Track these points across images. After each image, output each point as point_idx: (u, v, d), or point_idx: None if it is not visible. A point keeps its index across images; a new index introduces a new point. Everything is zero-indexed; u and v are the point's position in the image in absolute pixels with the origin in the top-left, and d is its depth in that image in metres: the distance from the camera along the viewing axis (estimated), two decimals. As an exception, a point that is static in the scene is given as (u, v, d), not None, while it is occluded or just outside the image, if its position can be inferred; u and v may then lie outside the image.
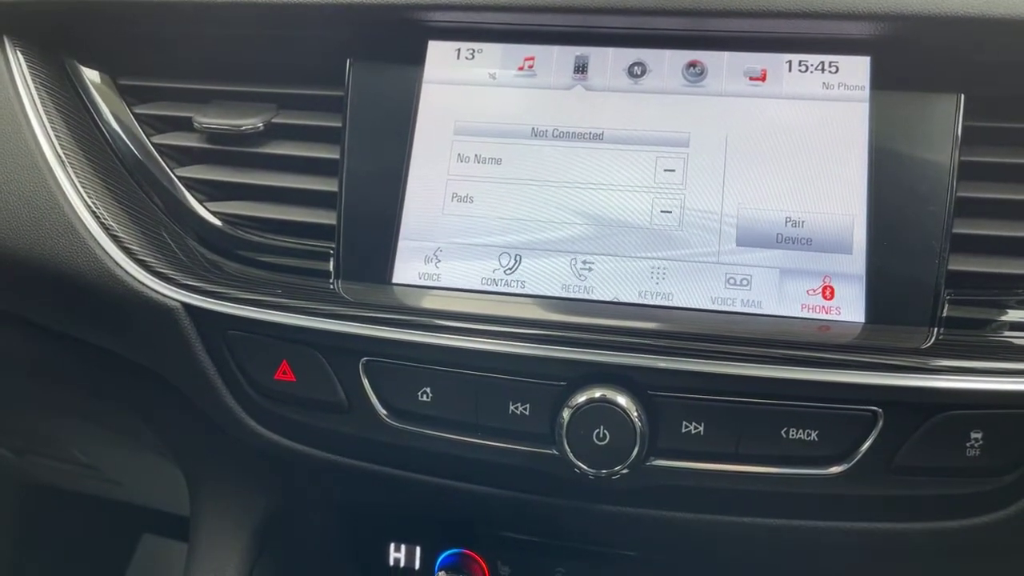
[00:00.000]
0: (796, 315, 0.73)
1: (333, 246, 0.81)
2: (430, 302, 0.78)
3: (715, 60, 0.80)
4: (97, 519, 1.82)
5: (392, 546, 1.00)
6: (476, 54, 0.84)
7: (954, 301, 0.72)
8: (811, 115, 0.77)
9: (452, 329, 0.74)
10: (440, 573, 0.95)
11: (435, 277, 0.79)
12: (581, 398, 0.70)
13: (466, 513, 0.88)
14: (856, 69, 0.77)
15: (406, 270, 0.80)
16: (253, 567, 0.95)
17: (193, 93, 0.89)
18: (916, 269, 0.72)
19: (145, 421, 1.05)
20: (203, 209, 0.85)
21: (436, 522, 0.97)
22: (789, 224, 0.75)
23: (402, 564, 0.99)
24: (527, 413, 0.72)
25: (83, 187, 0.83)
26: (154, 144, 0.88)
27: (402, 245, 0.80)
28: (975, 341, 0.71)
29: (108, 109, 0.89)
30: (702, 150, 0.78)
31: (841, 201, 0.75)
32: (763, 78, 0.79)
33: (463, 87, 0.83)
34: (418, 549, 0.99)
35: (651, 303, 0.75)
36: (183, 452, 1.04)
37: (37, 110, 0.86)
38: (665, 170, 0.78)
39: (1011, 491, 0.71)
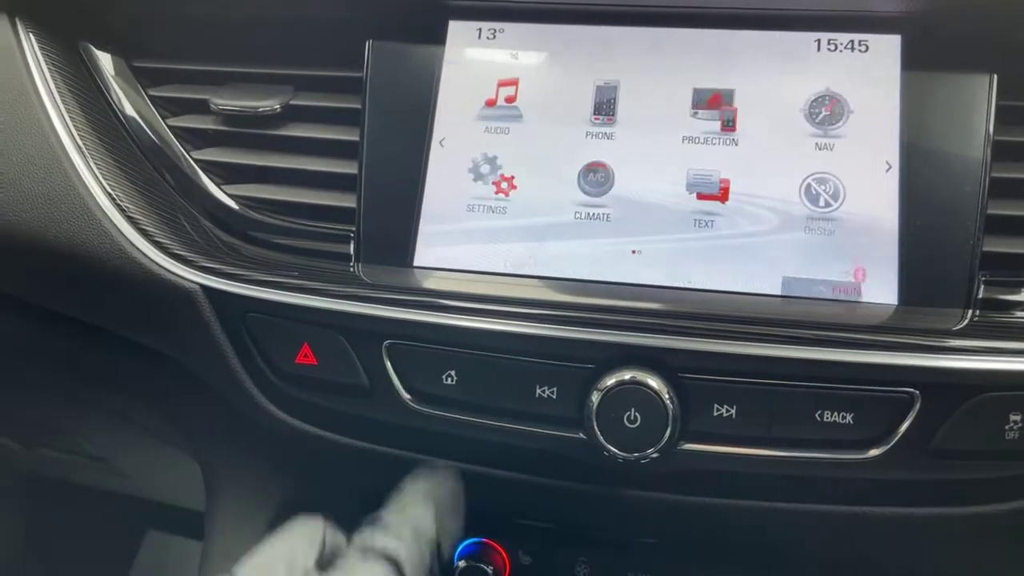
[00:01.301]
0: (828, 297, 0.72)
1: (353, 229, 0.80)
2: (454, 284, 0.76)
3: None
4: (105, 513, 1.81)
5: (411, 535, 0.98)
6: (498, 34, 0.82)
7: (989, 282, 0.71)
8: (841, 94, 0.76)
9: (477, 311, 0.72)
10: (460, 563, 0.94)
11: (458, 260, 0.78)
12: (611, 380, 0.69)
13: (489, 499, 0.86)
14: (887, 48, 0.76)
15: (428, 253, 0.79)
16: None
17: (209, 75, 0.87)
18: (950, 250, 0.71)
19: (161, 410, 1.04)
20: (220, 192, 0.84)
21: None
22: (821, 205, 0.74)
23: (421, 554, 0.98)
24: (554, 396, 0.71)
25: (98, 169, 0.82)
26: (170, 127, 0.86)
27: (423, 228, 0.79)
28: (1011, 322, 0.69)
29: (122, 92, 0.88)
30: (738, 131, 0.77)
31: (873, 181, 0.74)
32: (791, 57, 0.78)
33: (485, 67, 0.82)
34: (437, 539, 0.97)
35: (681, 285, 0.74)
36: (200, 440, 1.03)
37: (51, 93, 0.85)
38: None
39: (1052, 475, 0.69)
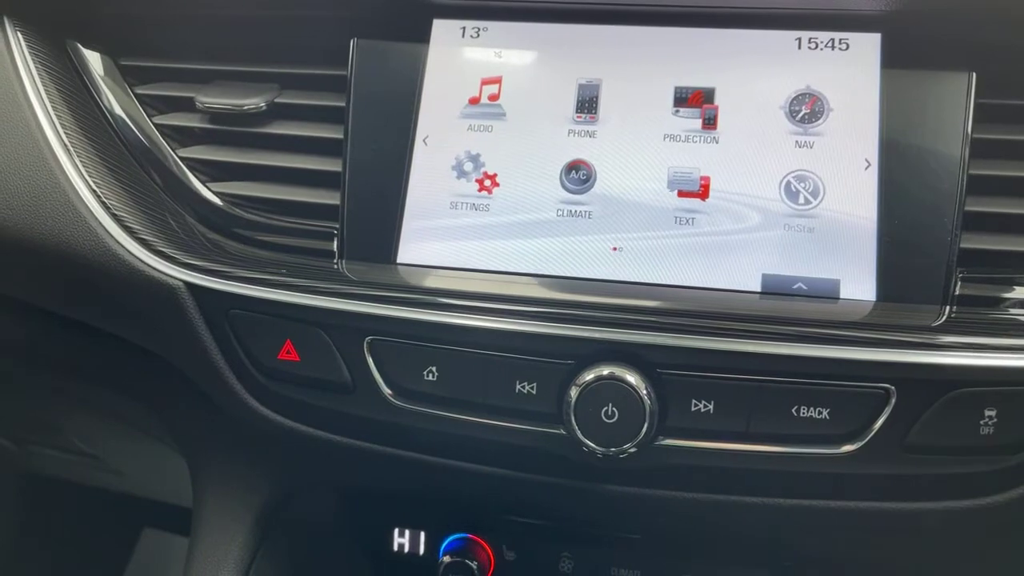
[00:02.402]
0: (807, 294, 0.73)
1: (337, 226, 0.80)
2: (435, 281, 0.77)
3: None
4: (99, 511, 1.81)
5: (396, 531, 0.99)
6: (481, 32, 0.83)
7: (966, 279, 0.71)
8: (821, 92, 0.76)
9: (458, 307, 0.73)
10: (445, 558, 0.94)
11: (441, 257, 0.79)
12: (589, 376, 0.69)
13: (471, 495, 0.87)
14: (867, 47, 0.76)
15: (411, 250, 0.79)
16: (256, 552, 0.94)
17: (195, 73, 0.88)
18: (928, 247, 0.72)
19: (148, 406, 1.04)
20: (205, 189, 0.84)
21: (441, 507, 0.96)
22: (800, 202, 0.75)
23: (407, 549, 0.98)
24: (534, 392, 0.71)
25: (85, 167, 0.83)
26: (156, 124, 0.87)
27: (407, 225, 0.80)
28: (988, 318, 0.70)
29: (109, 90, 0.88)
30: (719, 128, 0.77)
31: (852, 179, 0.74)
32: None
33: (468, 66, 0.82)
34: (422, 534, 0.98)
35: (661, 282, 0.75)
36: (186, 437, 1.03)
37: (38, 91, 0.85)
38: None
39: (1024, 470, 0.70)
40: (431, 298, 0.74)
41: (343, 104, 0.82)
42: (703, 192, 0.76)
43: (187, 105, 0.86)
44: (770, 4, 0.77)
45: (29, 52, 0.87)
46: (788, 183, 0.75)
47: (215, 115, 0.85)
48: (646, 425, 0.68)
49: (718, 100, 0.78)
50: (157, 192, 0.84)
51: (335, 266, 0.79)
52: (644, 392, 0.68)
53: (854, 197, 0.74)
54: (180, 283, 0.78)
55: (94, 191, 0.82)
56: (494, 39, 0.82)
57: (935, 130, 0.74)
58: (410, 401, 0.75)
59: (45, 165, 0.83)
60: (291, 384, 0.78)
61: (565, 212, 0.78)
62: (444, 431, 0.74)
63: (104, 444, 1.47)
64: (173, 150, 0.86)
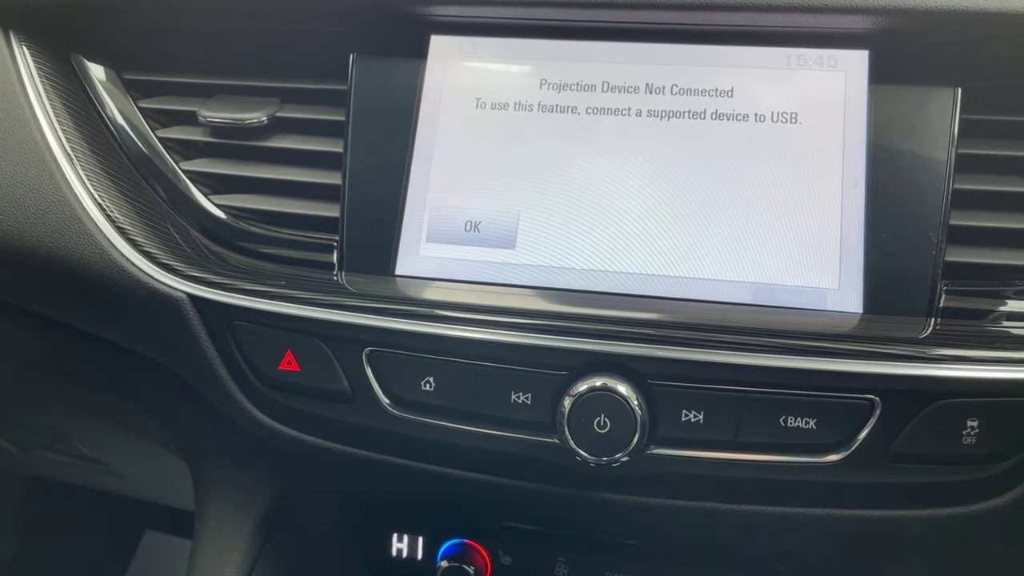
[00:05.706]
0: (796, 306, 0.74)
1: (336, 238, 0.82)
2: (433, 293, 0.78)
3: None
4: (101, 514, 1.83)
5: (395, 536, 1.01)
6: (479, 48, 0.84)
7: (951, 292, 0.73)
8: (810, 108, 0.78)
9: (455, 319, 0.74)
10: (443, 563, 0.96)
11: (438, 269, 0.80)
12: (582, 387, 0.71)
13: (467, 502, 0.88)
14: (855, 63, 0.78)
15: (409, 262, 0.81)
16: (258, 556, 0.95)
17: (198, 87, 0.89)
18: (913, 260, 0.73)
19: (149, 412, 1.06)
20: (208, 202, 0.86)
21: (438, 512, 0.98)
22: (787, 214, 0.76)
23: (404, 554, 1.00)
24: (529, 402, 0.73)
25: (89, 180, 0.84)
26: (159, 138, 0.88)
27: (405, 237, 0.81)
28: (972, 331, 0.71)
29: (113, 103, 0.89)
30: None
31: (840, 193, 0.76)
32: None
33: (466, 81, 0.84)
34: (420, 539, 1.00)
35: (652, 294, 0.76)
36: (188, 443, 1.05)
37: (43, 104, 0.87)
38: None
39: (1007, 479, 0.71)
40: (428, 310, 0.75)
41: (343, 118, 0.84)
42: (696, 203, 0.78)
43: (190, 119, 0.88)
44: (760, 22, 0.78)
45: (35, 66, 0.88)
46: (777, 197, 0.77)
47: (217, 129, 0.87)
48: (637, 435, 0.70)
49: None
50: (160, 205, 0.86)
51: (335, 278, 0.81)
52: (635, 403, 0.70)
53: (842, 211, 0.75)
54: (183, 295, 0.80)
55: (99, 203, 0.83)
56: (492, 55, 0.84)
57: (921, 145, 0.75)
58: (408, 411, 0.76)
59: (50, 178, 0.84)
60: (291, 394, 0.80)
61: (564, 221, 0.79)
62: (441, 440, 0.76)
63: (106, 448, 1.48)
64: (176, 163, 0.87)
